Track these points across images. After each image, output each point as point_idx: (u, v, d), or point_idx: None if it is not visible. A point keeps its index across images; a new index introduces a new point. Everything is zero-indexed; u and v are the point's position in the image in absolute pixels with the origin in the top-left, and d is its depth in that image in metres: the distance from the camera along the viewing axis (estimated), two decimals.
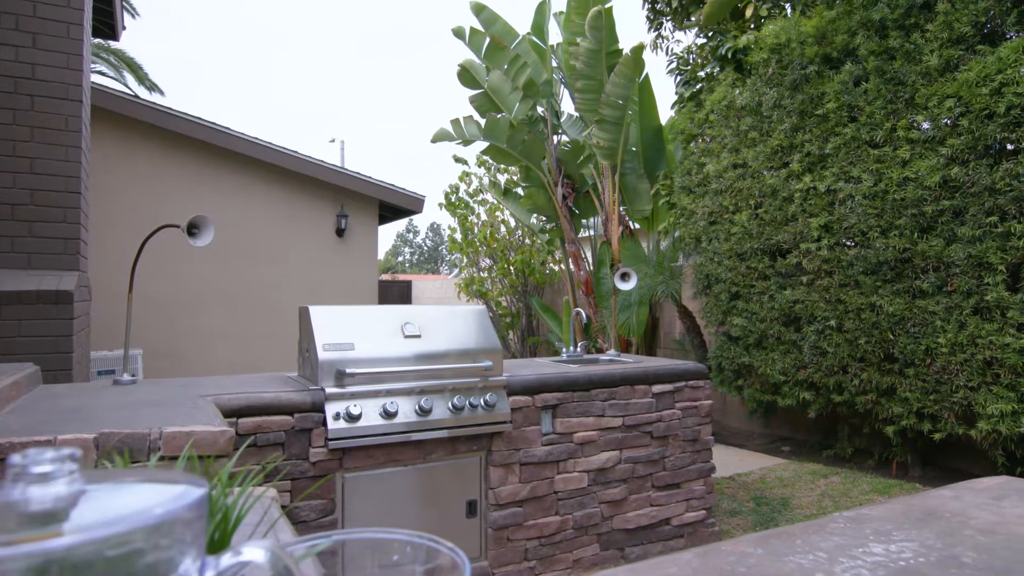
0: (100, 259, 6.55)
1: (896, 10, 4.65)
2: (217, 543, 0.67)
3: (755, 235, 5.64)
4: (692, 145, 6.61)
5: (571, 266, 8.62)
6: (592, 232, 9.08)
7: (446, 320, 3.27)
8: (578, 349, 4.32)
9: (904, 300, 4.51)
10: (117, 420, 1.92)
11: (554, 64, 8.37)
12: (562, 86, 8.59)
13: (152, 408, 2.19)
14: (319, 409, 2.79)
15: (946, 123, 4.31)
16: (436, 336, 3.17)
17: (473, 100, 7.93)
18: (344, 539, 0.49)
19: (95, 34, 6.21)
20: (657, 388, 3.76)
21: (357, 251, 8.86)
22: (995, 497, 1.00)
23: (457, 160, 10.82)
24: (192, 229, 3.00)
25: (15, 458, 0.35)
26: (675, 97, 7.92)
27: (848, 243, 4.99)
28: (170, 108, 7.60)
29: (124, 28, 6.56)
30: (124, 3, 7.69)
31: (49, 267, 4.00)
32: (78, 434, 1.73)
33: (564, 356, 4.24)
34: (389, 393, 2.95)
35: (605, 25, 6.69)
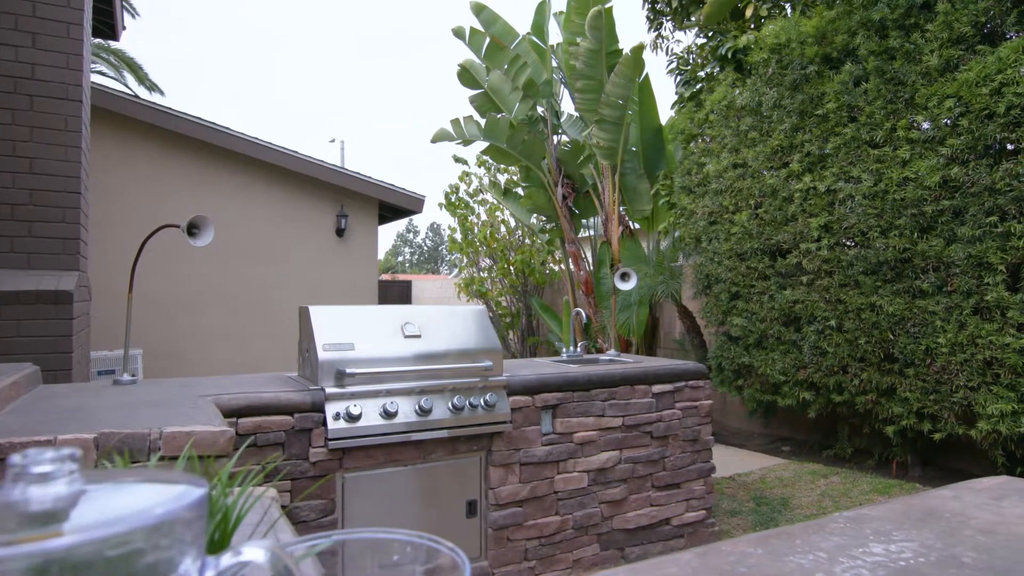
0: (100, 259, 6.55)
1: (896, 10, 4.65)
2: (217, 543, 0.67)
3: (755, 235, 5.64)
4: (692, 145, 6.61)
5: (571, 266, 8.62)
6: (592, 232, 9.08)
7: (446, 320, 3.27)
8: (578, 349, 4.32)
9: (904, 300, 4.51)
10: (117, 420, 1.92)
11: (554, 64, 8.37)
12: (562, 86, 8.59)
13: (152, 408, 2.19)
14: (319, 409, 2.79)
15: (946, 123, 4.31)
16: (436, 336, 3.17)
17: (473, 100, 7.93)
18: (344, 539, 0.49)
19: (95, 34, 6.21)
20: (657, 388, 3.76)
21: (357, 251, 8.86)
22: (995, 497, 1.00)
23: (457, 160, 10.82)
24: (192, 229, 3.00)
25: (15, 458, 0.35)
26: (675, 97, 7.93)
27: (848, 243, 4.99)
28: (170, 108, 7.60)
29: (124, 28, 6.56)
30: (124, 3, 7.69)
31: (49, 267, 4.00)
32: (78, 434, 1.73)
33: (564, 356, 4.24)
34: (389, 393, 2.95)
35: (605, 25, 6.69)
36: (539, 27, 8.30)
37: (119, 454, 1.63)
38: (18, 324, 3.63)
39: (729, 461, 5.60)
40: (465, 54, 7.90)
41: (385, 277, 21.69)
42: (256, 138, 8.07)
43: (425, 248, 56.84)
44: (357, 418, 2.83)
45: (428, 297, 15.43)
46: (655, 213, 7.96)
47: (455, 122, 7.99)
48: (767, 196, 5.55)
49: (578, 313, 4.44)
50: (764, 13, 7.16)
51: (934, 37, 4.39)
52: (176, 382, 2.99)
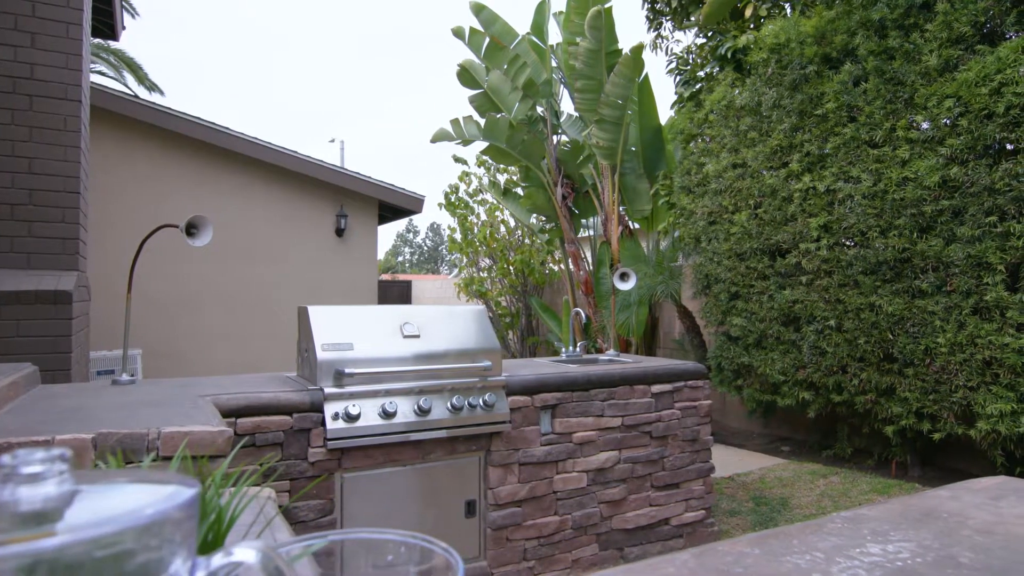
0: (99, 259, 6.55)
1: (895, 10, 4.65)
2: (210, 544, 0.67)
3: (754, 235, 5.64)
4: (691, 145, 6.61)
5: (571, 266, 8.62)
6: (592, 232, 9.08)
7: (445, 320, 3.27)
8: (577, 349, 4.32)
9: (903, 300, 4.51)
10: (115, 420, 1.92)
11: (554, 64, 8.37)
12: (562, 86, 8.59)
13: (151, 408, 2.19)
14: (318, 409, 2.79)
15: (945, 123, 4.31)
16: (435, 336, 3.17)
17: (473, 100, 7.93)
18: (338, 539, 0.49)
19: (95, 34, 6.21)
20: (656, 388, 3.76)
21: (357, 251, 8.86)
22: (993, 497, 1.00)
23: (457, 160, 10.82)
24: (191, 229, 3.00)
25: (5, 458, 0.35)
26: (675, 97, 7.92)
27: (847, 243, 4.99)
28: (170, 108, 7.60)
29: (124, 28, 6.56)
30: (124, 3, 7.69)
31: (48, 267, 4.00)
32: (76, 434, 1.72)
33: (563, 356, 4.24)
34: (388, 393, 2.95)
35: (605, 25, 6.69)
36: (539, 27, 8.30)
37: (112, 455, 1.63)
38: (17, 324, 3.63)
39: (728, 461, 5.60)
40: (465, 54, 7.90)
41: (385, 277, 21.69)
42: (256, 138, 8.07)
43: (425, 248, 56.84)
44: (356, 418, 2.83)
45: (428, 297, 15.42)
46: (655, 213, 7.96)
47: (455, 122, 7.99)
48: (766, 196, 5.55)
49: (577, 313, 4.44)
50: (764, 13, 7.16)
51: (933, 37, 4.39)
52: (175, 382, 2.98)
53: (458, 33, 7.65)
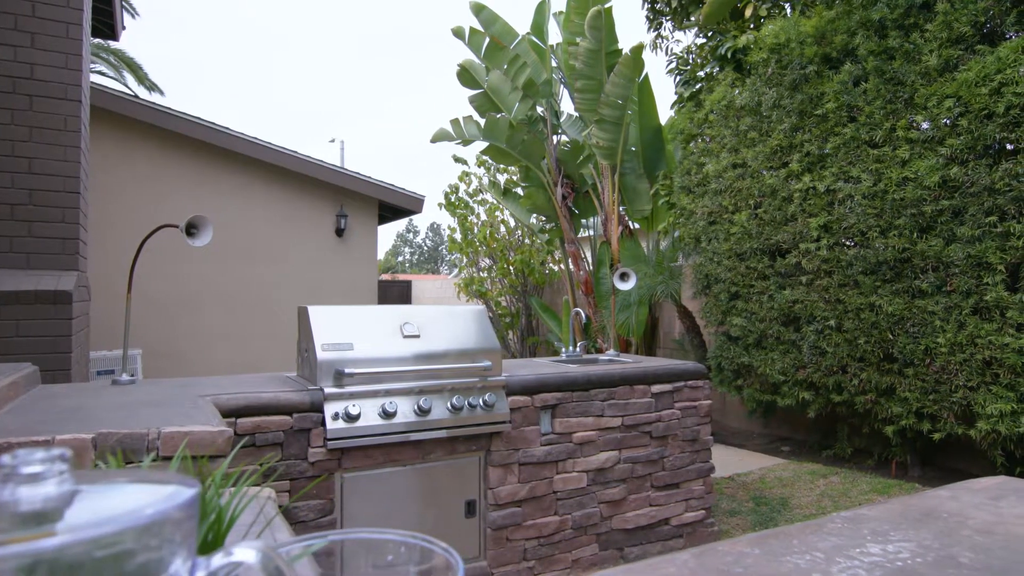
0: (99, 259, 6.55)
1: (895, 10, 4.65)
2: (211, 544, 0.67)
3: (754, 235, 5.64)
4: (691, 145, 6.61)
5: (571, 266, 8.62)
6: (592, 232, 9.08)
7: (445, 320, 3.27)
8: (577, 349, 4.32)
9: (903, 300, 4.51)
10: (115, 420, 1.92)
11: (554, 64, 8.37)
12: (562, 86, 8.59)
13: (151, 408, 2.19)
14: (318, 409, 2.79)
15: (945, 123, 4.31)
16: (435, 336, 3.17)
17: (473, 100, 7.93)
18: (337, 539, 0.49)
19: (95, 34, 6.21)
20: (656, 388, 3.76)
21: (357, 251, 8.86)
22: (993, 497, 1.00)
23: (457, 160, 10.82)
24: (191, 229, 3.00)
25: (5, 458, 0.35)
26: (675, 97, 7.92)
27: (847, 243, 4.99)
28: (169, 108, 7.60)
29: (124, 28, 6.56)
30: (124, 3, 7.69)
31: (48, 267, 4.00)
32: (76, 434, 1.72)
33: (563, 356, 4.24)
34: (388, 393, 2.95)
35: (605, 25, 6.69)
36: (539, 27, 8.30)
37: (113, 455, 1.63)
38: (17, 324, 3.63)
39: (728, 461, 5.60)
40: (465, 54, 7.90)
41: (385, 277, 21.69)
42: (256, 138, 8.07)
43: (425, 248, 56.84)
44: (356, 418, 2.83)
45: (428, 297, 15.42)
46: (655, 213, 7.96)
47: (455, 122, 7.99)
48: (766, 196, 5.55)
49: (577, 313, 4.44)
50: (764, 13, 7.16)
51: (933, 37, 4.39)
52: (175, 382, 2.98)
53: (458, 33, 7.65)
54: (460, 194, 11.08)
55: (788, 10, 7.11)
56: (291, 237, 8.37)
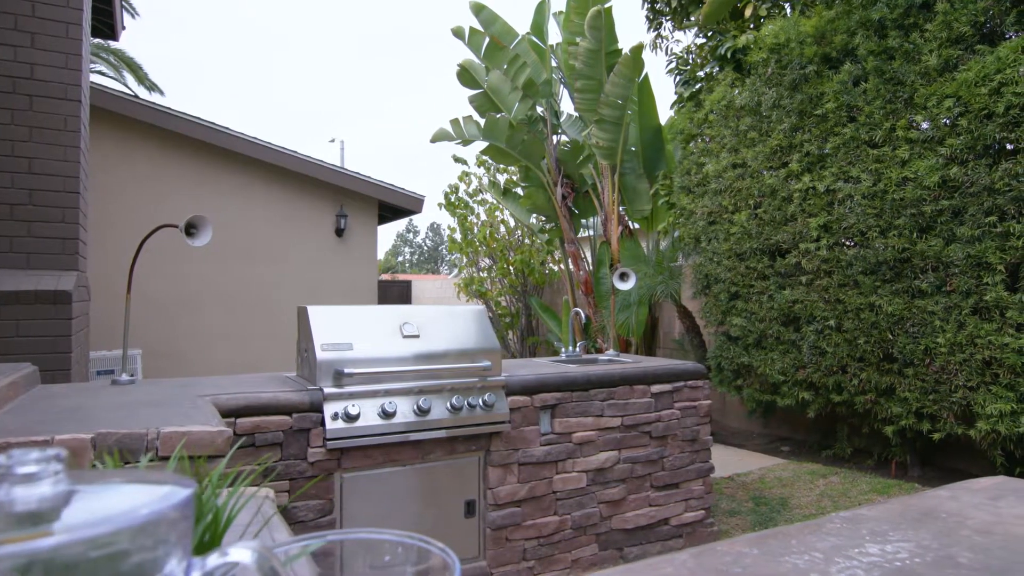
0: (99, 259, 6.55)
1: (895, 10, 4.64)
2: (207, 544, 0.67)
3: (754, 235, 5.64)
4: (691, 145, 6.61)
5: (570, 266, 8.62)
6: (592, 232, 9.08)
7: (445, 320, 3.27)
8: (577, 349, 4.32)
9: (903, 300, 4.51)
10: (115, 420, 1.92)
11: (553, 64, 8.37)
12: (561, 86, 8.58)
13: (150, 408, 2.19)
14: (317, 409, 2.79)
15: (945, 123, 4.31)
16: (435, 336, 3.17)
17: (472, 100, 7.93)
18: (335, 539, 0.49)
19: (95, 34, 6.21)
20: (656, 388, 3.76)
21: (357, 251, 8.87)
22: (992, 497, 1.00)
23: (457, 160, 10.83)
24: (190, 229, 3.00)
25: (0, 459, 0.34)
26: (674, 97, 7.92)
27: (847, 243, 4.99)
28: (169, 108, 7.60)
29: (124, 28, 6.56)
30: (124, 3, 7.69)
31: (48, 267, 4.00)
32: (75, 434, 1.72)
33: (563, 356, 4.24)
34: (387, 393, 2.95)
35: (604, 25, 6.69)
36: (538, 27, 8.30)
37: (109, 455, 1.63)
38: (17, 324, 3.63)
39: (728, 461, 5.60)
40: (465, 54, 7.90)
41: (385, 277, 21.69)
42: (256, 138, 8.07)
43: (425, 248, 56.85)
44: (355, 418, 2.83)
45: (428, 297, 15.42)
46: (654, 213, 7.96)
47: (454, 122, 7.99)
48: (766, 196, 5.55)
49: (577, 313, 4.44)
50: (763, 13, 7.16)
51: (933, 37, 4.39)
52: (175, 382, 2.98)
53: (458, 33, 7.65)
54: (460, 194, 11.08)
55: (788, 10, 7.11)
56: (291, 237, 8.37)
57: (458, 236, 11.23)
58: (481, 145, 8.07)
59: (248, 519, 1.07)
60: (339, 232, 8.66)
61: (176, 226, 3.05)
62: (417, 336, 3.12)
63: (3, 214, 3.90)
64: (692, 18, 8.32)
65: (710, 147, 6.26)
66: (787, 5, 7.19)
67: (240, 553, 0.36)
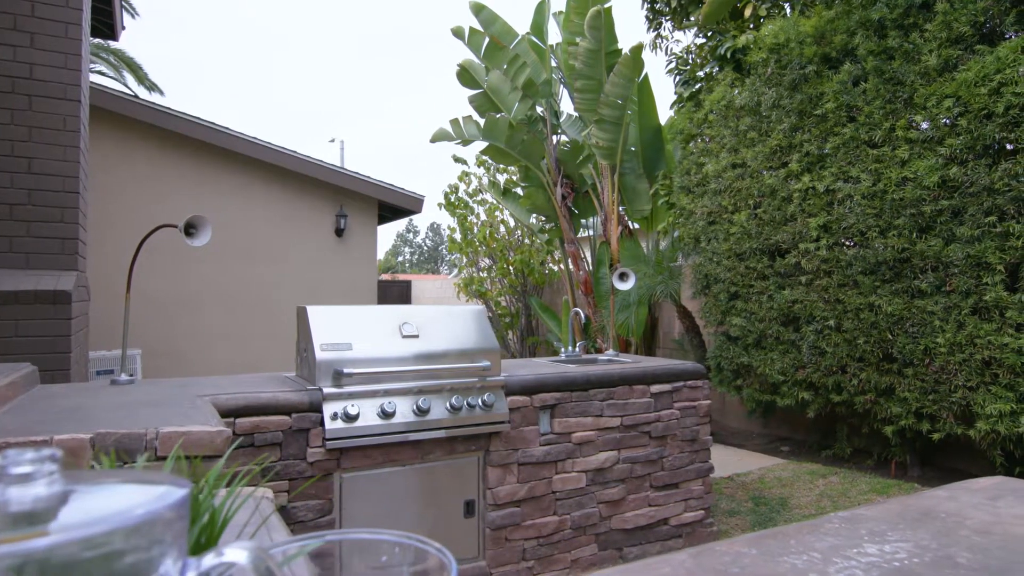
0: (99, 259, 6.55)
1: (895, 10, 4.64)
2: (204, 544, 0.66)
3: (754, 235, 5.64)
4: (691, 145, 6.61)
5: (570, 266, 8.62)
6: (591, 232, 9.08)
7: (444, 320, 3.27)
8: (577, 349, 4.32)
9: (903, 300, 4.51)
10: (114, 420, 1.92)
11: (553, 64, 8.37)
12: (561, 86, 8.58)
13: (149, 408, 2.19)
14: (317, 409, 2.79)
15: (945, 123, 4.31)
16: (434, 336, 3.17)
17: (472, 100, 7.93)
18: (332, 540, 0.48)
19: (94, 34, 6.21)
20: (655, 388, 3.76)
21: (356, 251, 8.86)
22: (991, 497, 1.00)
23: (456, 160, 10.82)
24: (189, 229, 3.00)
25: None
26: (674, 97, 7.92)
27: (847, 243, 4.99)
28: (169, 108, 7.60)
29: (123, 28, 6.56)
30: (124, 3, 7.68)
31: (47, 267, 4.00)
32: (74, 434, 1.72)
33: (563, 356, 4.23)
34: (387, 393, 2.95)
35: (604, 25, 6.69)
36: (538, 27, 8.30)
37: (106, 455, 1.63)
38: (16, 324, 3.63)
39: (728, 461, 5.60)
40: (464, 54, 7.90)
41: (385, 277, 21.69)
42: (255, 138, 8.07)
43: (425, 248, 56.85)
44: (355, 418, 2.83)
45: (428, 297, 15.42)
46: (654, 213, 7.96)
47: (454, 122, 7.99)
48: (766, 196, 5.55)
49: (577, 313, 4.44)
50: (763, 13, 7.15)
51: (933, 37, 4.39)
52: (174, 382, 2.98)
53: (458, 33, 7.65)
54: (460, 194, 11.08)
55: (788, 10, 7.11)
56: (291, 237, 8.37)
57: (458, 236, 11.22)
58: (481, 145, 8.07)
59: (246, 519, 1.07)
60: (339, 232, 8.66)
61: (175, 226, 3.05)
62: (416, 336, 3.12)
63: (2, 214, 3.90)
64: (692, 18, 8.32)
65: (710, 147, 6.26)
66: (787, 5, 7.19)
67: (235, 553, 0.36)
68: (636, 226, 8.41)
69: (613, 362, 4.03)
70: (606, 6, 6.86)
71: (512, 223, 10.81)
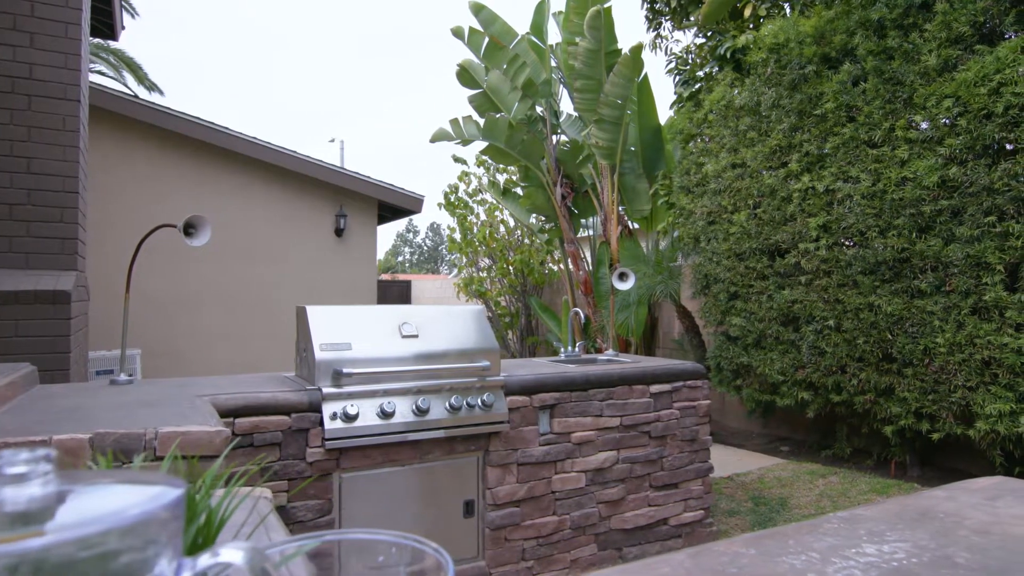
0: (99, 259, 6.55)
1: (894, 10, 4.64)
2: (200, 545, 0.66)
3: (754, 235, 5.64)
4: (691, 145, 6.61)
5: (570, 266, 8.62)
6: (591, 232, 9.08)
7: (444, 320, 3.27)
8: (576, 349, 4.32)
9: (902, 300, 4.51)
10: (113, 420, 1.92)
11: (553, 64, 8.37)
12: (561, 86, 8.58)
13: (149, 408, 2.19)
14: (316, 409, 2.79)
15: (944, 123, 4.31)
16: (434, 336, 3.17)
17: (472, 100, 7.93)
18: (329, 540, 0.48)
19: (94, 34, 6.21)
20: (655, 388, 3.76)
21: (356, 251, 8.86)
22: (990, 497, 1.00)
23: (456, 160, 10.82)
24: (189, 229, 3.00)
25: None
26: (674, 97, 7.92)
27: (846, 243, 4.99)
28: (169, 108, 7.60)
29: (123, 28, 6.56)
30: (123, 3, 7.68)
31: (47, 267, 3.99)
32: (73, 434, 1.72)
33: (562, 356, 4.23)
34: (386, 393, 2.95)
35: (604, 25, 6.69)
36: (538, 27, 8.30)
37: (104, 455, 1.63)
38: (16, 324, 3.63)
39: (727, 461, 5.60)
40: (464, 54, 7.89)
41: (385, 277, 21.69)
42: (255, 138, 8.06)
43: (425, 248, 56.85)
44: (354, 418, 2.83)
45: (427, 297, 15.42)
46: (654, 213, 7.96)
47: (454, 122, 7.99)
48: (766, 196, 5.55)
49: (576, 313, 4.44)
50: (763, 13, 7.16)
51: (932, 37, 4.39)
52: (173, 382, 2.98)
53: (458, 33, 7.65)
54: (460, 194, 11.08)
55: (787, 10, 7.10)
56: (291, 237, 8.37)
57: (458, 236, 11.22)
58: (481, 145, 8.07)
59: (243, 519, 1.07)
60: (339, 232, 8.66)
61: (175, 226, 3.05)
62: (416, 336, 3.12)
63: (2, 214, 3.90)
64: (692, 18, 8.32)
65: (709, 147, 6.26)
66: (786, 5, 7.19)
67: (231, 553, 0.36)
68: (636, 226, 8.41)
69: (613, 362, 4.03)
70: (606, 6, 6.86)
71: (512, 223, 10.81)
